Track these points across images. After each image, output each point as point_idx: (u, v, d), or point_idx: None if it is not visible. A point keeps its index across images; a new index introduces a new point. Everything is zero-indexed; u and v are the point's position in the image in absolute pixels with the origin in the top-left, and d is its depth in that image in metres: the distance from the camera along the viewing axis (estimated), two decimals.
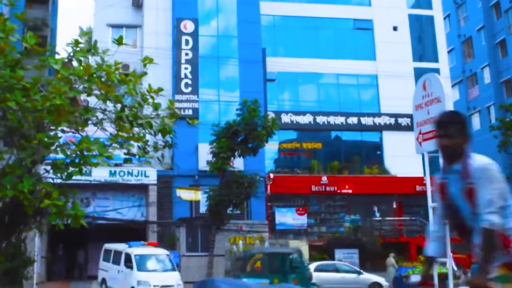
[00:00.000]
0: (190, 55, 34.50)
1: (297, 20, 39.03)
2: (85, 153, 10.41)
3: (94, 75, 11.05)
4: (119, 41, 11.78)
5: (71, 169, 10.39)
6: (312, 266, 26.81)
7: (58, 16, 44.55)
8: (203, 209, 30.87)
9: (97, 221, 31.15)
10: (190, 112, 33.79)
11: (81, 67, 10.96)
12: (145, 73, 13.32)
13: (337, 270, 27.31)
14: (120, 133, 11.30)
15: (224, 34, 35.99)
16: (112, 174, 31.31)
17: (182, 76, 34.17)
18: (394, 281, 28.37)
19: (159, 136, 11.90)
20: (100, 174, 31.04)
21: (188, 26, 34.81)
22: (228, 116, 29.90)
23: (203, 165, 31.38)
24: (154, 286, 23.46)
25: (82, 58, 10.92)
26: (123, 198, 32.41)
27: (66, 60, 11.46)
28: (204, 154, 30.94)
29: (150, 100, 11.61)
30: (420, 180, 35.99)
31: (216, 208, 28.44)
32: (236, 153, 28.61)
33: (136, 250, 24.86)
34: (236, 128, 27.86)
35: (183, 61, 34.37)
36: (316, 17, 38.91)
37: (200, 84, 34.45)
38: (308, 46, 38.68)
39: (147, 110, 12.21)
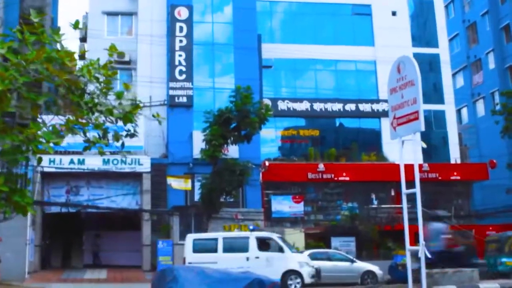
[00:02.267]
0: (185, 42, 34.17)
1: (294, 5, 38.58)
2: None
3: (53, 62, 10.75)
4: (75, 25, 11.41)
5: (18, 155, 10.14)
6: (304, 254, 26.50)
7: (58, 5, 44.44)
8: (198, 197, 30.70)
9: (88, 210, 31.08)
10: (184, 99, 33.54)
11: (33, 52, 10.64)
12: (110, 62, 12.97)
13: (329, 258, 26.96)
14: (75, 119, 10.99)
15: (219, 20, 35.60)
16: (106, 162, 31.13)
17: (176, 63, 33.85)
18: (390, 269, 28.04)
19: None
20: (93, 162, 30.95)
21: (182, 12, 34.45)
22: (223, 103, 29.62)
23: (197, 153, 31.08)
24: (312, 266, 23.48)
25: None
26: (117, 187, 32.25)
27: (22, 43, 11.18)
28: (199, 142, 30.63)
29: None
30: (419, 167, 35.51)
31: (209, 196, 28.25)
32: (228, 141, 28.40)
33: (271, 233, 24.08)
34: (228, 115, 27.62)
35: (177, 48, 34.05)
36: (314, 3, 38.40)
37: (195, 72, 34.14)
38: (305, 32, 38.21)
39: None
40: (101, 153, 12.07)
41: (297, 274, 22.70)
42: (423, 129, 13.51)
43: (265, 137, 34.81)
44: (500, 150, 41.12)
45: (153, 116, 13.05)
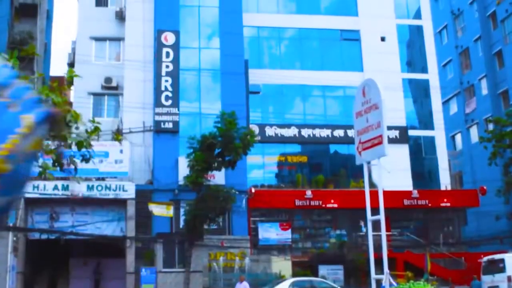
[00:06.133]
0: (171, 67, 34.02)
1: (282, 31, 38.52)
2: None
3: None
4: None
5: None
6: (287, 283, 26.05)
7: (52, 31, 44.49)
8: (183, 224, 30.31)
9: (72, 236, 30.69)
10: (170, 125, 33.30)
11: None
12: (69, 85, 12.79)
13: (313, 287, 26.47)
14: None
15: (206, 45, 35.51)
16: (90, 188, 30.82)
17: (163, 88, 33.66)
18: None
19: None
20: (77, 189, 30.60)
21: (169, 38, 34.35)
22: (210, 129, 29.32)
23: (183, 179, 30.78)
24: None
25: None
26: (102, 213, 31.86)
27: None
28: (184, 168, 30.31)
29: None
30: (408, 194, 35.16)
31: (193, 223, 27.90)
32: (213, 166, 28.14)
33: None
34: (212, 141, 27.38)
35: (163, 73, 33.88)
36: (302, 28, 38.29)
37: (181, 97, 33.94)
38: (294, 58, 38.11)
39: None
40: (50, 179, 11.82)
41: None
42: (387, 154, 13.22)
43: (252, 163, 34.47)
44: (494, 176, 40.63)
45: (114, 139, 12.84)
